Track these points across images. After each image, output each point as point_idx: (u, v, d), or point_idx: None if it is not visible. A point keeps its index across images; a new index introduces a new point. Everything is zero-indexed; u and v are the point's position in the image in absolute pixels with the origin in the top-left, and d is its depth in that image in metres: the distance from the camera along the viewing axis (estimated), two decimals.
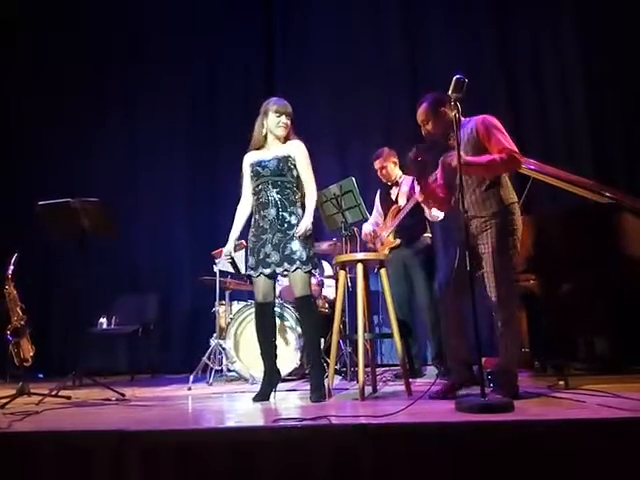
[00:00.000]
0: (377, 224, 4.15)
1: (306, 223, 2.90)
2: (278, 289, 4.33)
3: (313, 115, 5.65)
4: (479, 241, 2.61)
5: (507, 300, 2.53)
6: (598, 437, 1.71)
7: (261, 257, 2.93)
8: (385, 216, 4.10)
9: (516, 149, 2.55)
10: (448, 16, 5.72)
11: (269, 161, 2.98)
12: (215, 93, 6.10)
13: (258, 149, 3.07)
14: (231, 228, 3.11)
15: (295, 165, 3.01)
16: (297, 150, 3.02)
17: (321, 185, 3.37)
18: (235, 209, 3.14)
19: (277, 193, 2.95)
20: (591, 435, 1.72)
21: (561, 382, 2.81)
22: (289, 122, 3.02)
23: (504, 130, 2.63)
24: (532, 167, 3.46)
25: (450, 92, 2.35)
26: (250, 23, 6.17)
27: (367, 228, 4.13)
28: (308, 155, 3.04)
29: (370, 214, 4.12)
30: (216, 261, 4.32)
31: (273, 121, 3.00)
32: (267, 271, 2.92)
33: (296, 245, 2.89)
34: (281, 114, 2.99)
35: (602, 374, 3.42)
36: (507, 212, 2.60)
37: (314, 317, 2.98)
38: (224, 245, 4.30)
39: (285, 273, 2.94)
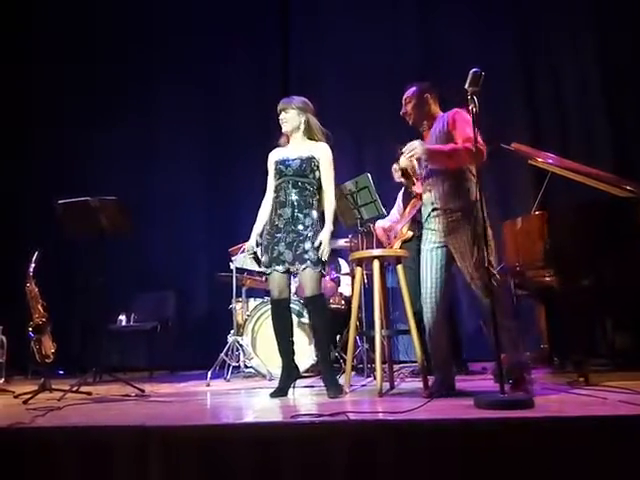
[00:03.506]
0: (395, 220, 4.14)
1: (325, 238, 2.90)
2: (294, 286, 4.34)
3: (328, 113, 5.61)
4: (450, 236, 2.63)
5: (495, 290, 2.45)
6: (619, 434, 1.69)
7: (275, 255, 2.94)
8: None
9: (480, 141, 2.49)
10: (464, 15, 5.67)
11: (293, 161, 2.99)
12: (231, 93, 6.11)
13: (284, 147, 3.10)
14: (250, 224, 3.13)
15: (318, 167, 3.01)
16: (322, 153, 3.03)
17: (337, 182, 3.37)
18: (251, 206, 3.16)
19: (296, 194, 2.96)
20: (612, 432, 1.70)
21: (581, 378, 2.78)
22: (288, 116, 3.03)
23: (471, 124, 2.54)
24: (550, 161, 3.43)
25: (467, 85, 2.34)
26: (266, 25, 6.18)
27: (380, 224, 4.12)
28: (332, 160, 3.05)
29: (387, 211, 4.11)
30: (233, 258, 4.34)
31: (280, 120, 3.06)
32: (280, 268, 2.94)
33: (308, 245, 2.89)
34: (280, 111, 3.05)
35: (623, 370, 3.38)
36: (475, 207, 2.56)
37: (324, 316, 2.97)
38: (241, 242, 4.35)
39: (296, 271, 2.94)
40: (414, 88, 2.84)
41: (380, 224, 4.14)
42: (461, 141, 2.56)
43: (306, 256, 2.88)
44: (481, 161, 2.56)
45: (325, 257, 2.90)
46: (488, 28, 5.61)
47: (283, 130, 3.07)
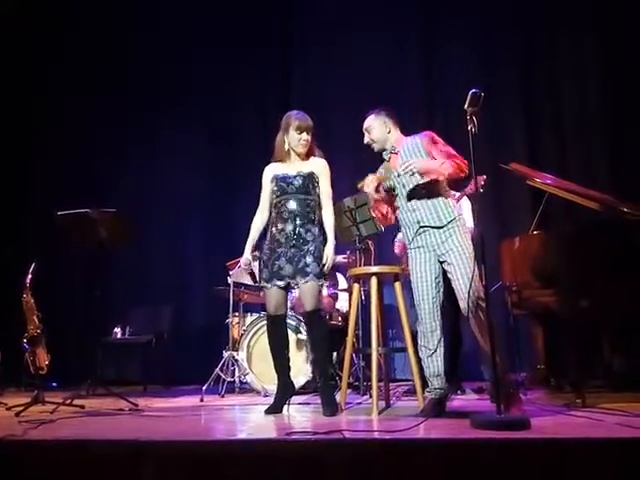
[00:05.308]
0: None
1: (330, 253, 2.92)
2: (290, 301, 4.33)
3: (328, 129, 5.67)
4: (442, 247, 2.68)
5: (482, 304, 2.49)
6: (616, 457, 1.68)
7: (275, 269, 2.93)
8: None
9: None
10: (466, 31, 5.74)
11: (294, 178, 2.98)
12: (233, 106, 6.15)
13: (280, 161, 3.07)
14: (246, 239, 3.12)
15: (319, 182, 3.02)
16: (320, 167, 3.03)
17: (336, 199, 3.38)
18: (250, 220, 3.15)
19: (298, 210, 2.95)
20: (609, 454, 1.69)
21: (578, 400, 2.76)
22: (310, 138, 3.02)
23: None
24: (549, 182, 3.44)
25: (466, 106, 2.36)
26: (267, 37, 6.24)
27: (400, 238, 4.16)
28: (329, 174, 3.05)
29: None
30: (230, 272, 4.33)
31: (294, 138, 2.99)
32: (281, 283, 2.93)
33: (310, 259, 2.89)
34: (302, 131, 2.98)
35: (620, 392, 3.36)
36: (461, 219, 2.74)
37: (324, 332, 2.95)
38: (238, 257, 4.33)
39: (296, 285, 2.94)
40: (373, 115, 2.89)
41: (401, 239, 4.14)
42: (446, 156, 2.69)
43: (308, 269, 2.87)
44: (465, 173, 2.71)
45: (327, 269, 2.91)
46: (490, 45, 5.68)
47: (300, 150, 3.00)
